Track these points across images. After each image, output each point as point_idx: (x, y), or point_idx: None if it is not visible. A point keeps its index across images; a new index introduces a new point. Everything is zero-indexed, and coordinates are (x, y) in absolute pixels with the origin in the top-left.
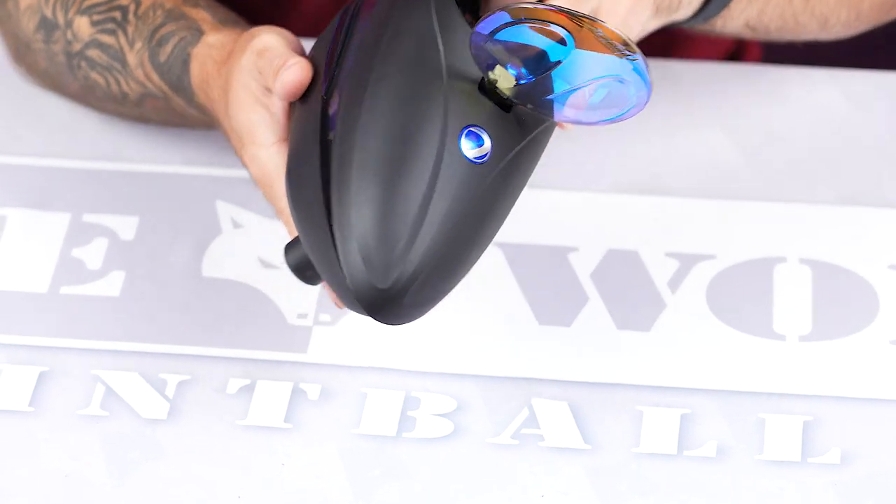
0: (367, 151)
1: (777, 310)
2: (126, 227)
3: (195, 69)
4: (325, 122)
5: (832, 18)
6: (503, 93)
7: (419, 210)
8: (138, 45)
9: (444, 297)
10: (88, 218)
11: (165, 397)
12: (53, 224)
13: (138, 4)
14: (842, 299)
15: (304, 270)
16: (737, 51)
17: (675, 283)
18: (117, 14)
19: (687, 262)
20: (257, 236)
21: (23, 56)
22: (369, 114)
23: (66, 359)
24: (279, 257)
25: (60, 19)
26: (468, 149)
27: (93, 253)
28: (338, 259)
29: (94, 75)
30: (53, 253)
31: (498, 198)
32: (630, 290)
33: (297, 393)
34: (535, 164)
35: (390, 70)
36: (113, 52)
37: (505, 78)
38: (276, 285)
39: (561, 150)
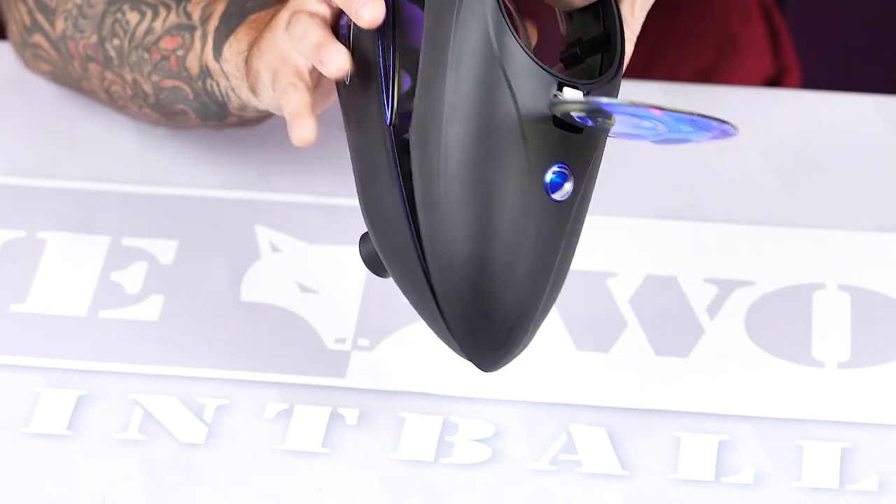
0: (457, 221)
1: (816, 336)
2: (165, 250)
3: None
4: (400, 162)
5: None
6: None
7: (525, 277)
8: None
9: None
10: (127, 241)
11: (203, 421)
12: (93, 247)
13: None
14: (881, 326)
15: (377, 267)
16: (776, 76)
17: (713, 310)
18: None
19: (725, 288)
20: (296, 261)
21: (30, 32)
22: (454, 169)
23: (104, 382)
24: (317, 282)
25: None
26: (554, 191)
27: (132, 277)
28: (446, 326)
29: (130, 15)
30: (92, 276)
31: (578, 226)
32: (668, 316)
33: (334, 418)
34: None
35: (465, 119)
36: None
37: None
38: (315, 310)
39: (600, 176)
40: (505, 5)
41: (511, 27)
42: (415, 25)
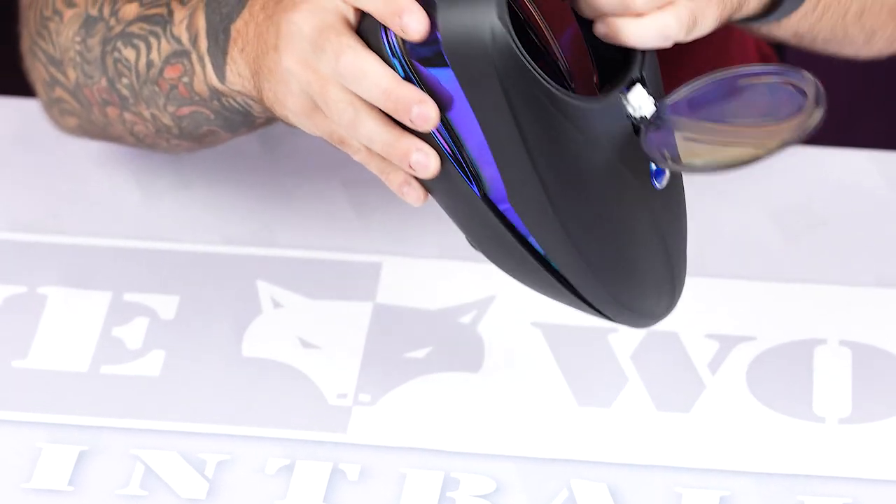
0: (595, 258)
1: (817, 392)
2: (166, 306)
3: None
4: (509, 224)
5: (879, 32)
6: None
7: (660, 263)
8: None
9: None
10: (129, 297)
11: (205, 477)
12: (94, 303)
13: None
14: (882, 381)
15: None
16: None
17: (714, 365)
18: None
19: (727, 343)
20: (297, 316)
21: (51, 88)
22: (572, 222)
23: (106, 438)
24: (319, 337)
25: (106, 11)
26: (659, 181)
27: (133, 332)
28: (596, 311)
29: (126, 52)
30: (94, 332)
31: (683, 193)
32: (669, 372)
33: (336, 473)
34: None
35: (565, 185)
36: (157, 19)
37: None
38: (316, 365)
39: None
40: (539, 53)
41: (549, 82)
42: (464, 118)
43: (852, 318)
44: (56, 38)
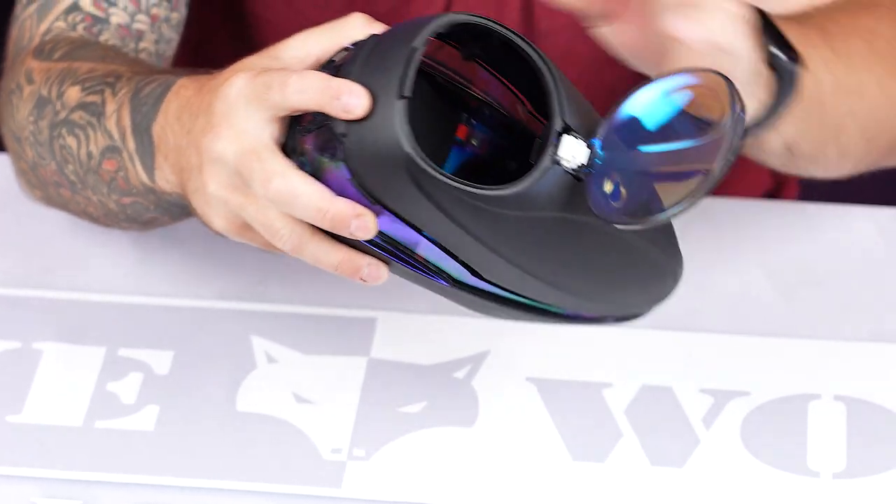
0: (586, 289)
1: (811, 446)
2: (161, 361)
3: (170, 96)
4: (489, 292)
5: (851, 151)
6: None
7: (659, 254)
8: (123, 91)
9: None
10: (123, 352)
11: None
12: (88, 358)
13: (137, 69)
14: (876, 436)
15: None
16: (775, 189)
17: (709, 420)
18: (111, 78)
19: (721, 398)
20: (291, 371)
21: (17, 160)
22: (551, 276)
23: (100, 493)
24: (313, 392)
25: (54, 93)
26: (616, 202)
27: (128, 387)
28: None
29: (69, 140)
30: (88, 387)
31: None
32: (664, 427)
33: None
34: None
35: (525, 247)
36: (94, 108)
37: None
38: (311, 420)
39: None
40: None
41: (483, 188)
42: (404, 233)
43: (846, 373)
44: (16, 114)
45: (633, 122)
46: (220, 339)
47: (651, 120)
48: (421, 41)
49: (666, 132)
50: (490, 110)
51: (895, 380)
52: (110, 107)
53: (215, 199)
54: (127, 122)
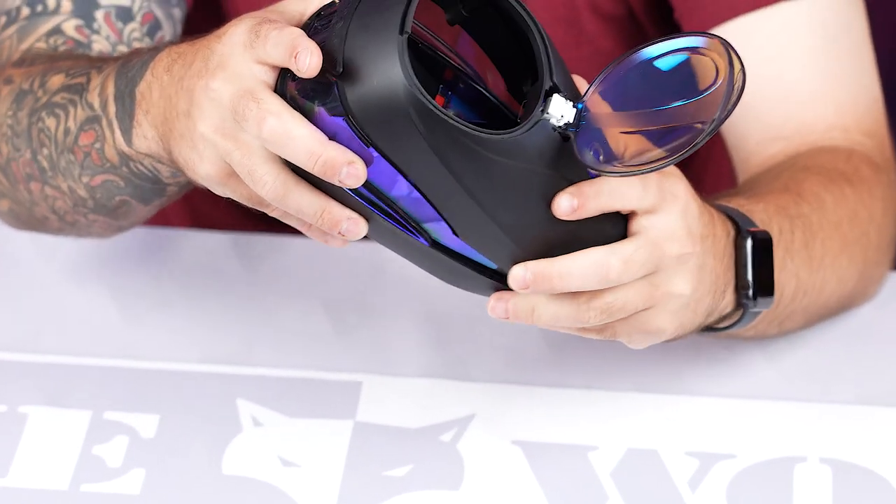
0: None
1: None
2: (146, 424)
3: (160, 56)
4: (462, 256)
5: (790, 329)
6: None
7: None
8: (109, 67)
9: None
10: (109, 415)
11: None
12: (74, 421)
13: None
14: (862, 499)
15: None
16: None
17: (694, 483)
18: (98, 63)
19: (707, 461)
20: (278, 435)
21: None
22: (526, 239)
23: None
24: (299, 456)
25: (36, 84)
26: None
27: (113, 450)
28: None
29: (48, 122)
30: (74, 450)
31: None
32: (650, 490)
33: None
34: None
35: (506, 201)
36: (77, 87)
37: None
38: (296, 484)
39: (582, 351)
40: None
41: (470, 126)
42: (389, 180)
43: (832, 436)
44: None
45: (622, 83)
46: (206, 402)
47: (640, 81)
48: None
49: (654, 94)
50: (466, 83)
51: (881, 443)
52: (94, 81)
53: (204, 141)
54: (110, 90)
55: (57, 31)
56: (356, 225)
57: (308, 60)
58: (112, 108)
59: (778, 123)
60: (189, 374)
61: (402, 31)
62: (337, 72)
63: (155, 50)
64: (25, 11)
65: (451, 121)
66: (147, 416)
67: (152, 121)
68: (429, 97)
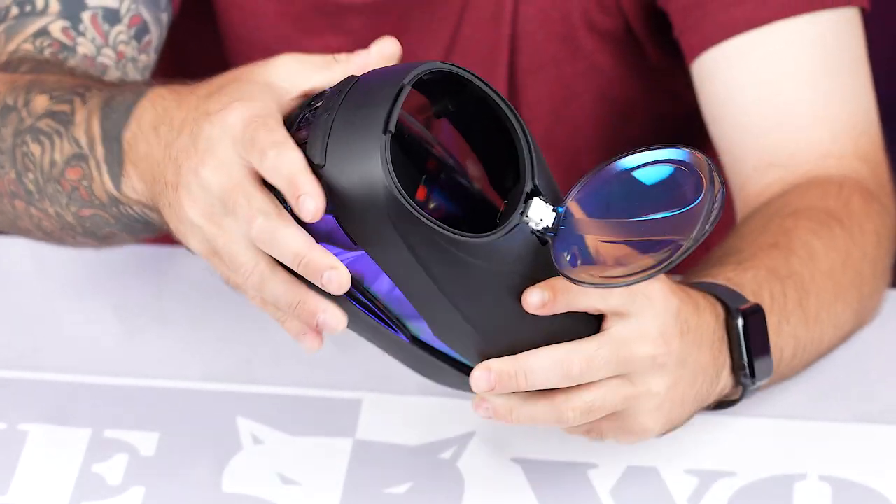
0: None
1: None
2: (146, 442)
3: (145, 104)
4: (439, 352)
5: (786, 377)
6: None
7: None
8: (94, 100)
9: None
10: (109, 433)
11: None
12: (74, 439)
13: (108, 83)
14: None
15: None
16: None
17: (694, 500)
18: (81, 88)
19: (706, 479)
20: (278, 452)
21: None
22: (501, 340)
23: None
24: (299, 473)
25: (20, 101)
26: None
27: (113, 469)
28: None
29: (32, 147)
30: (74, 468)
31: None
32: None
33: None
34: None
35: (482, 303)
36: (62, 116)
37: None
38: (297, 501)
39: None
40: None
41: (455, 232)
42: (371, 276)
43: (832, 454)
44: None
45: (604, 190)
46: (206, 420)
47: (621, 190)
48: (410, 79)
49: (635, 204)
50: (448, 175)
51: (881, 461)
52: (79, 115)
53: (192, 224)
54: (97, 129)
55: (43, 32)
56: (334, 318)
57: (310, 207)
58: (99, 150)
59: (774, 148)
60: (189, 392)
61: (385, 131)
62: (319, 166)
63: (138, 92)
64: (14, 11)
65: (428, 222)
66: (147, 433)
67: (141, 175)
68: (408, 198)
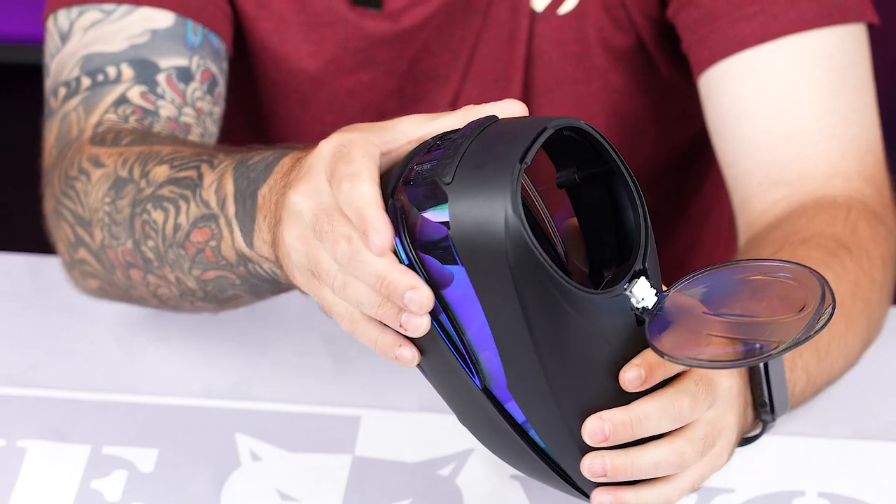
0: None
1: None
2: (145, 459)
3: (287, 160)
4: (505, 410)
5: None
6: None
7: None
8: (225, 163)
9: None
10: (108, 450)
11: None
12: (73, 456)
13: (229, 149)
14: None
15: None
16: None
17: None
18: (206, 155)
19: (705, 495)
20: (276, 469)
21: (75, 248)
22: (571, 410)
23: None
24: (298, 490)
25: (136, 173)
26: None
27: (112, 485)
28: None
29: (155, 214)
30: (73, 485)
31: None
32: None
33: None
34: None
35: (565, 362)
36: (188, 182)
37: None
38: None
39: None
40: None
41: (560, 274)
42: (467, 304)
43: (831, 470)
44: (84, 198)
45: (710, 287)
46: (205, 436)
47: (728, 289)
48: (554, 125)
49: (738, 302)
50: (547, 242)
51: (880, 477)
52: (209, 178)
53: (290, 248)
54: (229, 188)
55: (123, 100)
56: (410, 351)
57: (377, 241)
58: (231, 208)
59: (781, 164)
60: (188, 409)
61: (521, 160)
62: (446, 182)
63: (281, 152)
64: (86, 82)
65: (543, 260)
66: (146, 450)
67: (269, 226)
68: (529, 231)
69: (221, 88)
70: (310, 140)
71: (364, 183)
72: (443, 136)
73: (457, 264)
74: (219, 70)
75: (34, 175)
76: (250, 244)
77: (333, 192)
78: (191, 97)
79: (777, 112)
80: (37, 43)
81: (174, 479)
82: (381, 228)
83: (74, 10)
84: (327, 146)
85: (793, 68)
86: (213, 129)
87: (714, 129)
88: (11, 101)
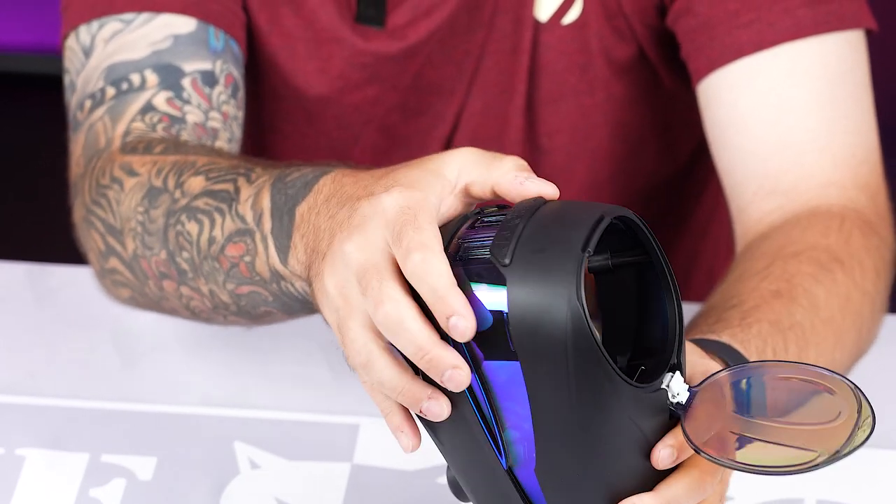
0: None
1: None
2: (144, 467)
3: (326, 180)
4: (524, 492)
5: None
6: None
7: None
8: (262, 178)
9: None
10: (106, 458)
11: None
12: (71, 464)
13: (268, 163)
14: None
15: (460, 492)
16: None
17: None
18: (242, 168)
19: None
20: (275, 477)
21: (106, 258)
22: (594, 496)
23: None
24: (296, 498)
25: (171, 183)
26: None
27: (111, 493)
28: None
29: (189, 226)
30: (71, 493)
31: None
32: None
33: None
34: None
35: (600, 450)
36: (224, 195)
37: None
38: None
39: None
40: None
41: (617, 370)
42: (510, 385)
43: (830, 478)
44: (117, 206)
45: (743, 387)
46: (204, 445)
47: (757, 394)
48: (612, 213)
49: (768, 406)
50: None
51: (879, 485)
52: (245, 192)
53: (326, 293)
54: (266, 203)
55: (149, 107)
56: (439, 405)
57: (462, 329)
58: (267, 224)
59: (776, 174)
60: (186, 417)
61: (584, 249)
62: (504, 263)
63: (321, 171)
64: (111, 91)
65: (605, 357)
66: (144, 458)
67: (305, 245)
68: (591, 323)
69: (243, 93)
70: (313, 155)
71: (438, 260)
72: (481, 212)
73: (508, 345)
74: (240, 76)
75: (34, 184)
76: (284, 261)
77: (397, 255)
78: (216, 101)
79: (772, 122)
80: (38, 53)
81: (173, 487)
82: (468, 316)
83: (94, 24)
84: (390, 202)
85: (789, 76)
86: (238, 133)
87: (712, 138)
88: (11, 111)
